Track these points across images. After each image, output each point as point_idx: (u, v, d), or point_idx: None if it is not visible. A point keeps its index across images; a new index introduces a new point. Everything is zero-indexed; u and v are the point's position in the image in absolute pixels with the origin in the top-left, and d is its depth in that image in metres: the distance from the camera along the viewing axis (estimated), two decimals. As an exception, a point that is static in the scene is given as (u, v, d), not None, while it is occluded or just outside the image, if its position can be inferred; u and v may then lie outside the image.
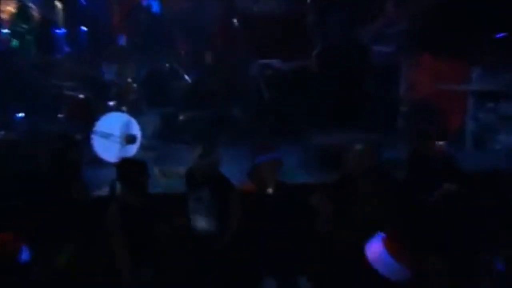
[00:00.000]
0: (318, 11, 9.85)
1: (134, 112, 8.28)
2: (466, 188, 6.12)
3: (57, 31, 9.23)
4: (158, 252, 5.51)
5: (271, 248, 5.45)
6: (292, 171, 7.23)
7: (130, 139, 7.78)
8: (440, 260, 5.16)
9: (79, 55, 9.40)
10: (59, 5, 9.44)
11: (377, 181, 5.74)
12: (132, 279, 5.12)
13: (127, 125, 7.92)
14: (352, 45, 9.44)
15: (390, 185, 6.05)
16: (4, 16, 9.29)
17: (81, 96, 8.54)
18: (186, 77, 9.33)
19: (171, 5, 10.03)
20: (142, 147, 7.97)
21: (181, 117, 8.88)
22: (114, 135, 7.79)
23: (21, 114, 8.48)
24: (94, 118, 7.98)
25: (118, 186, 5.83)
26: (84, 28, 9.64)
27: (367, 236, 3.95)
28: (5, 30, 9.14)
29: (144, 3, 10.15)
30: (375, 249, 3.72)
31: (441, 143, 7.78)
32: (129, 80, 8.90)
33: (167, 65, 9.49)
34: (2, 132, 7.98)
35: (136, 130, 7.95)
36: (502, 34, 8.56)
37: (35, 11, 9.18)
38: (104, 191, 6.17)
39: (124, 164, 5.88)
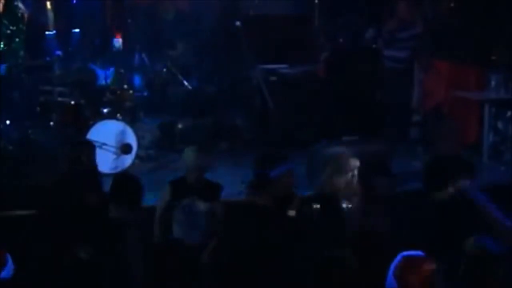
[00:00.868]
0: (327, 13, 9.83)
1: (130, 120, 8.22)
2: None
3: (48, 33, 9.25)
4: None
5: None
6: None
7: (125, 148, 7.61)
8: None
9: (71, 58, 9.34)
10: (49, 5, 9.25)
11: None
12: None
13: (122, 133, 7.79)
14: (363, 50, 9.45)
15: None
16: None
17: (73, 102, 8.43)
18: (186, 83, 9.17)
19: (170, 7, 9.84)
20: (138, 157, 7.90)
21: (179, 126, 8.69)
22: (108, 144, 7.54)
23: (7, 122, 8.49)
24: (87, 126, 7.87)
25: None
26: (77, 30, 9.62)
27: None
28: None
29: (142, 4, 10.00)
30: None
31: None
32: (125, 86, 8.81)
33: (164, 70, 9.38)
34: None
35: (132, 139, 7.81)
36: None
37: (23, 12, 9.01)
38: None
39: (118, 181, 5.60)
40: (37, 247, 5.51)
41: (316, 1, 10.01)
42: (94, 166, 6.37)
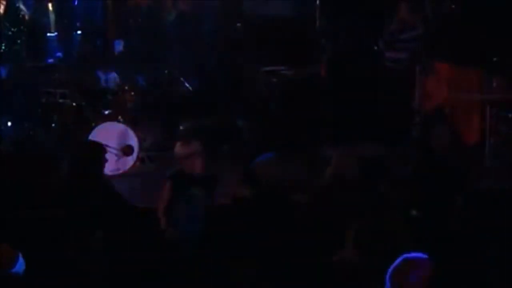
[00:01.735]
0: (328, 15, 9.77)
1: (131, 121, 8.23)
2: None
3: (49, 34, 9.45)
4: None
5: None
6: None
7: (127, 150, 7.64)
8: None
9: (72, 60, 9.46)
10: (50, 6, 9.32)
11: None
12: None
13: (124, 135, 7.84)
14: (364, 51, 9.35)
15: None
16: None
17: (74, 104, 8.46)
18: (187, 84, 9.26)
19: (172, 8, 9.86)
20: (140, 159, 7.97)
21: (181, 127, 8.73)
22: (109, 146, 7.34)
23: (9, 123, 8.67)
24: (89, 127, 7.90)
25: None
26: (78, 32, 9.72)
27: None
28: None
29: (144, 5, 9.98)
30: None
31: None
32: (126, 87, 8.81)
33: (165, 71, 9.38)
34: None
35: (133, 140, 7.85)
36: None
37: (25, 13, 9.22)
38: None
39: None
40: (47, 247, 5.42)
41: (318, 2, 9.74)
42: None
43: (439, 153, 6.76)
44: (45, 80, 8.81)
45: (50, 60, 9.25)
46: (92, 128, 7.84)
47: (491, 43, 8.57)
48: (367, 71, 9.03)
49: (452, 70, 8.77)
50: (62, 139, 8.08)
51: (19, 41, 9.13)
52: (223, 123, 9.03)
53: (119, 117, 8.25)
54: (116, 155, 7.69)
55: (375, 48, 9.21)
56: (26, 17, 9.29)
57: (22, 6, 9.23)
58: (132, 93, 8.85)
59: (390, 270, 3.56)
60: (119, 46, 9.45)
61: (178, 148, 5.84)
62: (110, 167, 7.36)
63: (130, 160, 7.72)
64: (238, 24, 9.49)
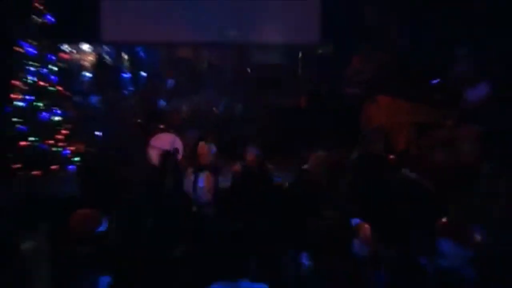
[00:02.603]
0: (307, 64, 10.25)
1: (178, 132, 8.13)
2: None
3: (124, 75, 9.71)
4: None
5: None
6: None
7: (175, 152, 7.22)
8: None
9: (140, 92, 9.69)
10: (125, 56, 9.87)
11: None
12: None
13: (173, 141, 7.57)
14: (330, 89, 9.73)
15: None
16: (86, 63, 9.82)
17: (139, 120, 8.90)
18: (214, 109, 9.48)
19: (204, 59, 10.28)
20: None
21: (211, 137, 8.20)
22: (163, 148, 7.13)
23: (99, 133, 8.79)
24: (151, 136, 7.77)
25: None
26: (143, 74, 9.89)
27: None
28: (87, 74, 9.61)
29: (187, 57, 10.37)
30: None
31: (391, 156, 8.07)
32: (175, 110, 9.25)
33: (201, 100, 9.55)
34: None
35: (179, 145, 7.66)
36: (435, 81, 8.43)
37: (108, 60, 9.66)
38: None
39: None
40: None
41: (300, 54, 10.24)
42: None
43: (376, 157, 7.05)
44: (122, 106, 9.18)
45: (125, 92, 9.53)
46: (152, 136, 7.75)
47: (414, 84, 8.75)
48: (333, 101, 9.46)
49: (388, 101, 8.89)
50: (135, 143, 8.11)
51: (104, 79, 9.38)
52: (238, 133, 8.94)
53: (171, 130, 8.25)
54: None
55: (339, 86, 9.63)
56: (109, 63, 9.63)
57: (106, 56, 9.65)
58: (178, 114, 9.27)
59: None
60: (170, 83, 9.64)
61: (200, 147, 6.53)
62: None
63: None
64: (248, 69, 9.84)
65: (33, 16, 7.82)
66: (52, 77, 7.91)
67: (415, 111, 8.74)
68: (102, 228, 4.12)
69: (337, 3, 9.62)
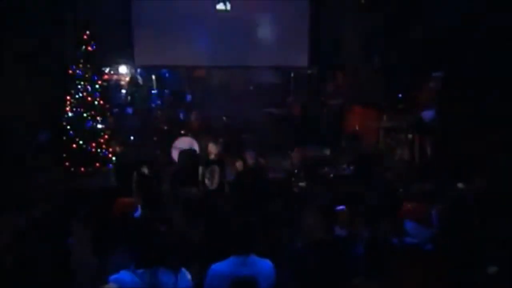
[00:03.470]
0: (297, 82, 10.16)
1: (195, 137, 8.28)
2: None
3: (153, 91, 9.61)
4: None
5: None
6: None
7: (193, 152, 7.62)
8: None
9: (165, 105, 9.50)
10: (153, 76, 9.74)
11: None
12: None
13: (191, 144, 7.96)
14: (315, 103, 9.62)
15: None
16: (122, 82, 9.72)
17: (165, 127, 8.80)
18: (224, 117, 9.33)
19: (214, 77, 10.14)
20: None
21: (220, 140, 8.23)
22: (183, 149, 7.59)
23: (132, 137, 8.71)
24: (174, 139, 8.09)
25: None
26: (167, 90, 9.72)
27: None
28: (123, 91, 9.60)
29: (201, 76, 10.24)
30: None
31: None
32: (192, 119, 8.99)
33: (213, 111, 9.25)
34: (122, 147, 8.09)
35: (196, 147, 7.98)
36: (400, 95, 8.37)
37: (140, 80, 9.55)
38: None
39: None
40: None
41: (292, 74, 10.14)
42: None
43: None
44: (150, 115, 9.14)
45: (153, 105, 9.41)
46: (174, 140, 8.04)
47: (385, 96, 8.67)
48: (318, 110, 9.46)
49: (362, 110, 8.95)
50: (162, 146, 8.27)
51: (136, 95, 9.29)
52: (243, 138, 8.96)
53: (189, 134, 8.37)
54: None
55: (322, 99, 9.66)
56: (140, 82, 9.46)
57: (138, 76, 9.52)
58: (196, 122, 8.94)
59: None
60: (189, 97, 9.54)
61: (210, 146, 6.44)
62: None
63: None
64: (251, 87, 9.77)
65: (82, 45, 7.86)
66: (96, 93, 7.93)
67: (382, 118, 8.70)
68: (137, 213, 4.03)
69: (322, 34, 9.75)
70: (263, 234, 3.59)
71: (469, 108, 6.87)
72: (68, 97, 7.86)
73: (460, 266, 3.13)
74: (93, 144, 7.80)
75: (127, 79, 9.62)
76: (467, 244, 3.26)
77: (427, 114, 7.41)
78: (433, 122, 7.34)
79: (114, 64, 9.69)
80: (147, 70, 9.76)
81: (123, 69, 9.94)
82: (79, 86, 7.83)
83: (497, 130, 6.15)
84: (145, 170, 5.76)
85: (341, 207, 3.67)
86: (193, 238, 3.85)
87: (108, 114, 8.25)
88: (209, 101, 9.57)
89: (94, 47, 7.92)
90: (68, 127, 7.77)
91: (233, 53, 9.64)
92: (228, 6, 9.82)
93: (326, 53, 9.65)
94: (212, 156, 6.43)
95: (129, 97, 9.29)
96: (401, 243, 3.50)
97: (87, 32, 7.88)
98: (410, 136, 7.89)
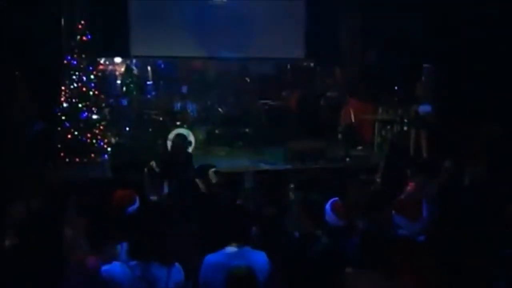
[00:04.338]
0: (294, 75, 10.24)
1: (191, 128, 8.37)
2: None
3: (148, 82, 9.53)
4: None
5: None
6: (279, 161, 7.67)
7: (188, 143, 7.50)
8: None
9: (160, 96, 9.48)
10: (149, 67, 9.64)
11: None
12: None
13: (187, 135, 7.66)
14: (311, 92, 9.70)
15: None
16: (117, 73, 9.79)
17: (160, 118, 8.70)
18: (220, 109, 9.30)
19: (212, 69, 10.13)
20: (195, 148, 8.04)
21: (216, 131, 8.84)
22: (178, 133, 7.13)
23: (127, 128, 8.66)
24: (168, 131, 7.92)
25: None
26: (163, 81, 9.62)
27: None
28: (118, 82, 9.53)
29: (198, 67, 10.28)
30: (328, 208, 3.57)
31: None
32: (188, 110, 9.06)
33: (209, 102, 9.41)
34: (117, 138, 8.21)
35: (192, 138, 8.00)
36: (396, 88, 8.43)
37: (135, 71, 9.43)
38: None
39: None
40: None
41: (288, 66, 10.25)
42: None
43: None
44: (145, 106, 9.02)
45: (148, 96, 9.29)
46: (170, 131, 7.85)
47: (379, 90, 8.91)
48: (316, 102, 9.40)
49: (358, 104, 9.03)
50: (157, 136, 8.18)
51: (132, 86, 9.15)
52: (237, 130, 8.89)
53: (184, 126, 8.39)
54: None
55: (322, 91, 9.52)
56: (135, 73, 9.35)
57: (133, 67, 9.38)
58: (190, 113, 9.05)
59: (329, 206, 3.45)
60: (184, 88, 9.34)
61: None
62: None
63: (189, 148, 7.38)
64: (247, 78, 9.68)
65: (77, 35, 7.80)
66: (91, 84, 7.88)
67: (378, 111, 8.90)
68: (135, 206, 3.86)
69: (318, 26, 9.69)
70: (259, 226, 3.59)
71: (464, 100, 6.94)
72: (63, 88, 7.79)
73: (451, 256, 3.19)
74: (88, 135, 7.75)
75: (123, 70, 9.55)
76: (457, 235, 3.33)
77: (423, 107, 7.47)
78: (428, 115, 7.40)
79: (109, 54, 9.63)
80: (142, 61, 9.69)
81: (118, 59, 9.87)
82: (74, 77, 7.76)
83: (492, 123, 6.22)
84: (154, 165, 5.68)
85: (334, 199, 3.65)
86: (189, 230, 3.85)
87: (103, 105, 8.19)
88: (205, 92, 9.56)
89: (89, 37, 7.85)
90: (63, 117, 7.73)
91: (229, 44, 9.59)
92: (225, -3, 9.84)
93: (323, 45, 9.63)
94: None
95: (124, 88, 9.18)
96: (395, 234, 3.54)
97: (82, 22, 7.82)
98: (405, 128, 7.98)
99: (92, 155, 7.72)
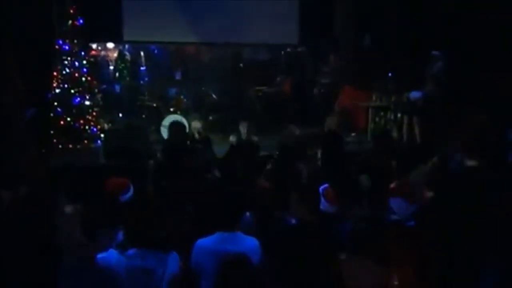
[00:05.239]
0: (290, 59, 10.14)
1: (184, 114, 8.34)
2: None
3: (141, 68, 9.53)
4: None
5: None
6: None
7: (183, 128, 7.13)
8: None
9: (153, 82, 9.52)
10: (142, 52, 9.65)
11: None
12: None
13: (180, 121, 7.41)
14: (309, 79, 9.70)
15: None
16: (110, 58, 9.78)
17: (154, 105, 8.71)
18: (214, 95, 9.29)
19: (205, 54, 10.22)
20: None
21: (210, 118, 8.86)
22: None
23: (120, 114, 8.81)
24: (162, 118, 7.99)
25: None
26: (157, 67, 9.68)
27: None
28: (111, 67, 9.61)
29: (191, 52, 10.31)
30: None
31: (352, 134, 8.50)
32: (182, 97, 9.09)
33: (203, 88, 9.33)
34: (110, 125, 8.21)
35: (186, 125, 7.54)
36: (390, 74, 8.35)
37: (128, 56, 9.51)
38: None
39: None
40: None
41: (282, 52, 10.17)
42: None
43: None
44: (139, 92, 9.04)
45: (141, 82, 9.37)
46: (164, 118, 7.92)
47: (373, 76, 8.83)
48: (310, 89, 9.57)
49: (352, 90, 9.10)
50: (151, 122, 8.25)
51: (125, 71, 9.31)
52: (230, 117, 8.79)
53: (178, 112, 8.43)
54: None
55: (316, 78, 9.74)
56: (128, 58, 9.43)
57: (126, 52, 9.49)
58: (184, 100, 9.06)
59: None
60: (178, 74, 9.46)
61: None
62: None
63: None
64: (241, 64, 9.67)
65: (68, 20, 7.72)
66: (83, 69, 7.83)
67: (372, 98, 8.78)
68: (129, 194, 3.79)
69: (311, 12, 9.68)
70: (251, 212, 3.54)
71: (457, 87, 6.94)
72: (54, 73, 7.72)
73: (442, 243, 3.16)
74: (81, 121, 7.72)
75: (115, 55, 9.54)
76: (449, 222, 3.26)
77: (413, 94, 7.46)
78: (420, 101, 7.38)
79: (102, 39, 9.59)
80: (135, 47, 9.65)
81: (110, 44, 9.84)
82: (66, 62, 7.70)
83: (483, 110, 6.22)
84: (159, 156, 5.64)
85: (325, 186, 3.61)
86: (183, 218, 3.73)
87: (96, 90, 8.15)
88: (198, 78, 9.52)
89: (82, 21, 7.79)
90: (56, 103, 7.67)
91: (223, 29, 9.53)
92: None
93: (317, 31, 9.62)
94: (196, 135, 6.35)
95: (117, 74, 9.24)
96: (387, 220, 3.45)
97: (74, 6, 7.75)
98: (399, 115, 7.97)
99: (85, 141, 7.72)
